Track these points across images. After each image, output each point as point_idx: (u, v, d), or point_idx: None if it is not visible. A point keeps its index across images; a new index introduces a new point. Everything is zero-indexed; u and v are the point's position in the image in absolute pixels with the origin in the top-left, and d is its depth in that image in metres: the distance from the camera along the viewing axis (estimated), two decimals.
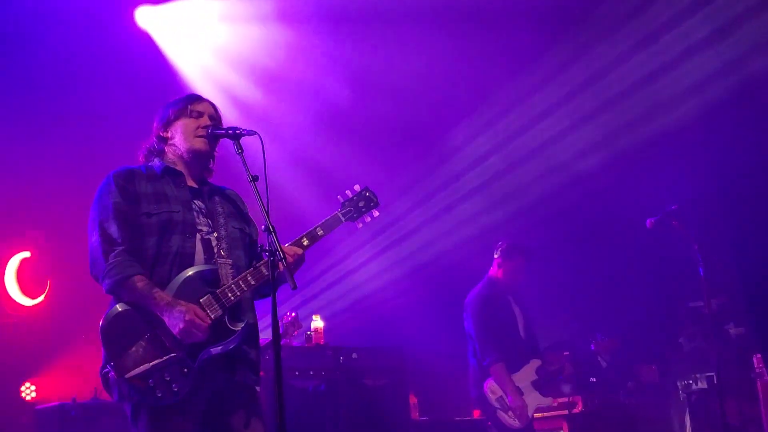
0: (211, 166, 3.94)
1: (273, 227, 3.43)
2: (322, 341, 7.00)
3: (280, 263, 3.41)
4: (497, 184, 9.26)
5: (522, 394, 6.41)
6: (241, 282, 3.62)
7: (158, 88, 7.26)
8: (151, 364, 3.44)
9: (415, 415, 7.70)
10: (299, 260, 3.75)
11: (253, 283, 3.63)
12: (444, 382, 8.73)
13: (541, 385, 6.55)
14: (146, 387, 3.43)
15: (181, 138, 3.83)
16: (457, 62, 8.55)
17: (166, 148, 3.87)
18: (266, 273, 3.56)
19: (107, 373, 3.51)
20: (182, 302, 3.49)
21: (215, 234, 3.74)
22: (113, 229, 3.60)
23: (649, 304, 8.58)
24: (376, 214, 4.02)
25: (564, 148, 8.91)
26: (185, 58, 8.09)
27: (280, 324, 6.17)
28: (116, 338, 3.49)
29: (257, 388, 3.76)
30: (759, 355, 7.14)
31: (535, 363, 6.64)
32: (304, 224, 3.87)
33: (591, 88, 8.61)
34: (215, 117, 3.91)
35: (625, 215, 8.21)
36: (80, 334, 7.11)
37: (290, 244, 3.73)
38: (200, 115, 3.86)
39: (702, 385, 7.52)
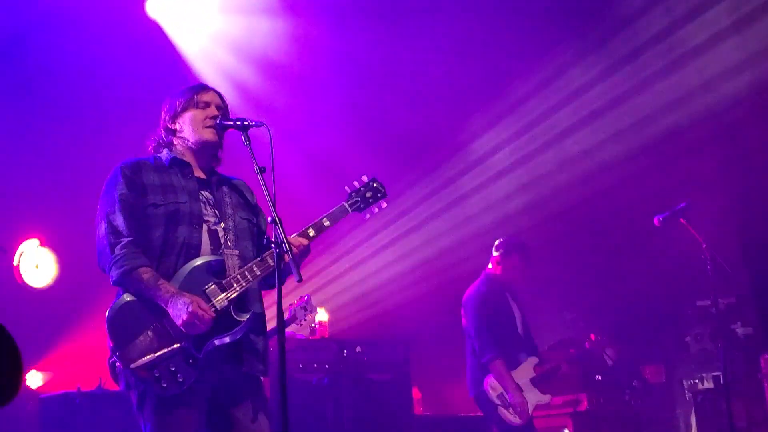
0: (219, 155, 3.93)
1: (279, 219, 3.42)
2: (326, 334, 6.99)
3: (285, 255, 3.41)
4: (505, 179, 9.24)
5: (521, 391, 6.40)
6: (246, 272, 3.61)
7: (168, 79, 7.27)
8: (156, 354, 3.45)
9: (418, 410, 7.71)
10: (305, 251, 3.73)
11: (258, 273, 3.63)
12: (448, 377, 8.72)
13: (538, 383, 6.53)
14: (151, 377, 3.44)
15: (189, 129, 3.81)
16: (467, 54, 8.53)
17: (174, 140, 3.86)
18: (272, 264, 3.55)
19: (114, 362, 3.52)
20: (186, 294, 3.49)
21: (222, 224, 3.74)
22: (119, 221, 3.60)
23: (656, 302, 8.55)
24: (384, 205, 3.99)
25: (572, 145, 8.89)
26: (195, 49, 8.09)
27: (290, 309, 6.10)
28: (122, 329, 3.50)
29: (263, 379, 3.76)
30: (766, 356, 7.11)
31: (533, 360, 6.62)
32: (311, 215, 3.85)
33: (600, 84, 8.59)
34: (222, 106, 3.89)
35: (632, 212, 8.19)
36: (86, 324, 7.12)
37: (296, 235, 3.72)
38: (207, 105, 3.84)
39: (708, 385, 7.50)
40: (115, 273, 3.53)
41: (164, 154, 3.84)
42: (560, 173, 8.95)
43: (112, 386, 6.08)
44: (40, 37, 7.32)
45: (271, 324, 4.15)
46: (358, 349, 6.88)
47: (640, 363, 8.00)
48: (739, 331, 7.58)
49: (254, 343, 3.70)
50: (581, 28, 8.52)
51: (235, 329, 3.56)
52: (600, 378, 7.68)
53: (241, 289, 3.60)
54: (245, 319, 3.58)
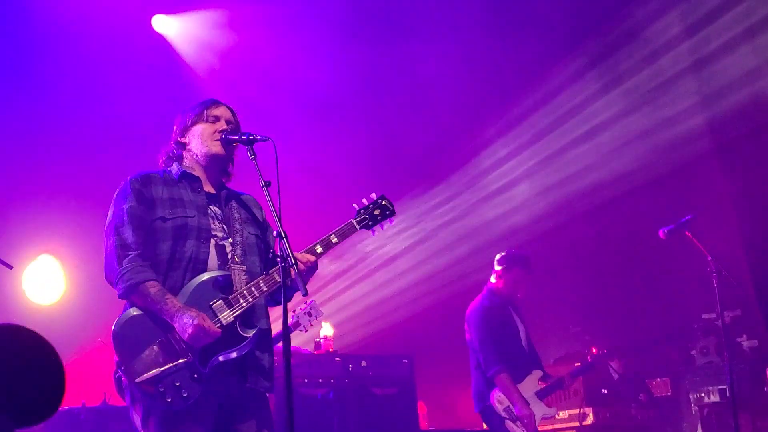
0: (229, 169, 3.93)
1: (285, 233, 3.42)
2: (331, 349, 6.98)
3: (291, 270, 3.41)
4: (509, 194, 9.25)
5: (528, 404, 6.38)
6: (253, 288, 3.61)
7: (177, 94, 7.30)
8: (161, 369, 3.44)
9: (424, 424, 7.68)
10: (312, 268, 3.72)
11: (265, 289, 3.62)
12: (454, 391, 8.70)
13: (543, 396, 6.52)
14: (156, 392, 3.43)
15: (198, 142, 3.82)
16: (475, 68, 8.57)
17: (184, 154, 3.86)
18: (279, 279, 3.55)
19: (119, 376, 3.52)
20: (193, 309, 3.49)
21: (230, 240, 3.74)
22: (127, 235, 3.60)
23: (662, 315, 8.53)
24: (392, 222, 3.99)
25: (577, 158, 8.89)
26: (201, 63, 8.12)
27: (293, 315, 5.96)
28: (128, 343, 3.50)
29: (268, 395, 3.75)
30: None
31: (537, 374, 6.61)
32: (320, 231, 3.85)
33: (605, 97, 8.61)
34: (233, 121, 3.90)
35: (638, 225, 8.18)
36: (92, 339, 7.11)
37: (304, 251, 3.71)
38: (217, 119, 3.85)
39: (715, 398, 7.47)
40: (121, 287, 3.54)
41: (174, 167, 3.84)
42: (565, 187, 8.96)
43: (116, 402, 6.08)
44: (46, 54, 7.36)
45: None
46: (364, 363, 6.86)
47: (646, 376, 7.97)
48: (745, 344, 7.56)
49: (260, 360, 3.69)
50: (587, 41, 8.55)
51: (241, 345, 3.55)
52: (606, 391, 7.66)
53: (248, 305, 3.59)
54: (251, 334, 3.57)
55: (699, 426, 7.49)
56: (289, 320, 5.74)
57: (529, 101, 8.91)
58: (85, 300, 7.46)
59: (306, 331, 6.02)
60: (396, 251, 9.39)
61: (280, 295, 3.43)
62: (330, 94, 8.55)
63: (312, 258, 3.71)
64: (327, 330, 7.04)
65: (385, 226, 3.97)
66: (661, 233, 6.11)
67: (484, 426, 6.87)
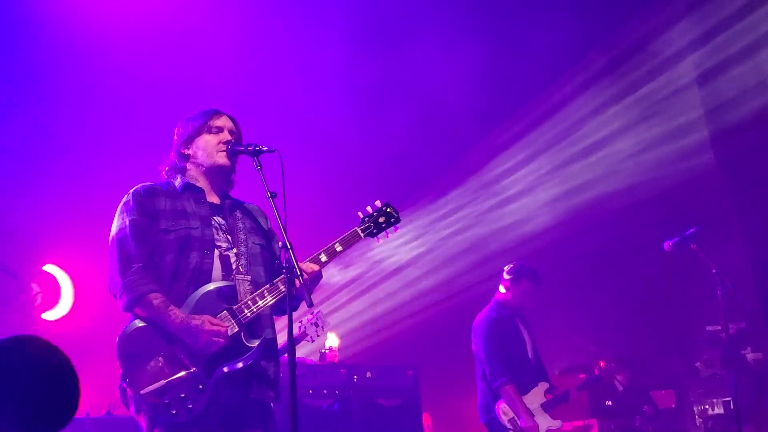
0: (233, 178, 3.94)
1: (290, 244, 3.43)
2: (336, 359, 6.97)
3: (296, 280, 3.42)
4: (515, 205, 9.25)
5: (533, 416, 6.38)
6: (257, 298, 3.62)
7: (183, 104, 7.31)
8: (166, 380, 3.45)
9: None
10: (316, 277, 3.73)
11: (270, 299, 3.63)
12: (458, 402, 8.68)
13: (549, 408, 6.51)
14: (161, 403, 3.43)
15: (202, 154, 3.82)
16: (481, 77, 8.59)
17: (187, 165, 3.86)
18: (283, 289, 3.56)
19: (124, 388, 3.53)
20: (195, 316, 3.49)
21: (234, 250, 3.75)
22: (130, 247, 3.61)
23: (666, 327, 8.52)
24: (397, 230, 3.99)
25: (582, 170, 8.90)
26: (206, 72, 8.13)
27: (300, 325, 6.02)
28: (133, 354, 3.51)
29: (272, 405, 3.75)
30: None
31: (543, 386, 6.60)
32: (324, 239, 3.85)
33: (611, 109, 8.63)
34: (235, 131, 3.91)
35: (642, 237, 8.17)
36: (97, 350, 7.11)
37: (308, 260, 3.72)
38: (220, 130, 3.85)
39: (719, 410, 7.45)
40: (124, 299, 3.55)
41: (178, 180, 3.85)
42: (571, 198, 8.96)
43: (120, 412, 6.08)
44: (47, 56, 7.39)
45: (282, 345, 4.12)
46: (369, 374, 6.85)
47: (651, 388, 7.94)
48: (750, 356, 7.54)
49: (265, 370, 3.69)
50: (593, 54, 8.57)
51: (246, 355, 3.56)
52: (610, 403, 7.64)
53: (252, 315, 3.60)
54: (256, 345, 3.58)
55: None
56: (297, 331, 5.83)
57: (536, 113, 8.92)
58: (89, 310, 7.46)
59: (312, 341, 6.07)
60: (402, 262, 9.39)
61: (285, 305, 3.44)
62: (336, 102, 8.57)
63: (316, 268, 3.71)
64: (332, 341, 7.03)
65: (389, 234, 3.96)
66: (666, 246, 6.11)
67: None
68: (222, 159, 3.81)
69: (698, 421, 7.63)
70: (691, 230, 6.01)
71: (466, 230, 9.44)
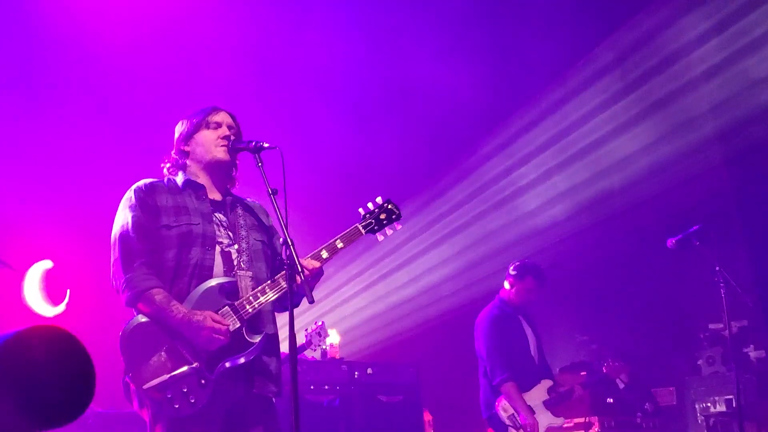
0: (234, 175, 3.95)
1: (291, 240, 3.44)
2: (337, 356, 6.98)
3: (297, 276, 3.42)
4: (516, 202, 9.25)
5: (533, 412, 6.38)
6: (259, 294, 3.63)
7: (187, 96, 7.31)
8: (169, 375, 3.47)
9: None
10: (317, 274, 3.74)
11: (271, 295, 3.64)
12: (459, 399, 8.68)
13: (551, 406, 6.51)
14: (164, 398, 3.45)
15: (201, 150, 3.84)
16: (480, 76, 8.59)
17: (187, 161, 3.88)
18: (285, 285, 3.57)
19: (127, 382, 3.54)
20: (197, 312, 3.50)
21: (236, 246, 3.75)
22: (132, 243, 3.63)
23: (668, 325, 8.51)
24: (398, 227, 3.98)
25: (584, 167, 8.89)
26: (205, 66, 8.12)
27: (306, 334, 6.12)
28: (135, 349, 3.52)
29: (274, 400, 3.76)
30: None
31: (546, 383, 6.61)
32: (325, 235, 3.86)
33: (611, 108, 8.62)
34: (234, 126, 3.92)
35: (645, 235, 8.17)
36: (99, 344, 7.11)
37: (309, 257, 3.73)
38: (219, 125, 3.86)
39: (721, 408, 7.43)
40: (127, 294, 3.57)
41: (180, 177, 3.86)
42: (571, 196, 8.95)
43: (124, 406, 6.09)
44: (48, 57, 7.40)
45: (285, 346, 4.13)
46: (370, 370, 6.86)
47: (652, 386, 7.94)
48: (752, 354, 7.53)
49: (267, 365, 3.71)
50: (596, 50, 8.56)
51: (248, 350, 3.57)
52: (612, 401, 7.63)
53: (254, 311, 3.61)
54: (258, 340, 3.59)
55: None
56: (303, 340, 5.92)
57: (537, 110, 8.92)
58: (92, 306, 7.47)
59: (314, 350, 6.31)
60: (403, 259, 9.39)
61: (286, 301, 3.45)
62: (336, 99, 8.57)
63: (317, 264, 3.72)
64: (333, 337, 7.04)
65: (391, 231, 3.96)
66: (669, 243, 6.10)
67: None
68: (220, 154, 3.82)
69: (700, 418, 7.61)
70: (695, 227, 6.00)
71: (467, 228, 9.44)
